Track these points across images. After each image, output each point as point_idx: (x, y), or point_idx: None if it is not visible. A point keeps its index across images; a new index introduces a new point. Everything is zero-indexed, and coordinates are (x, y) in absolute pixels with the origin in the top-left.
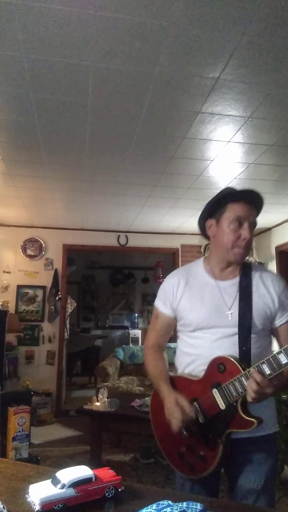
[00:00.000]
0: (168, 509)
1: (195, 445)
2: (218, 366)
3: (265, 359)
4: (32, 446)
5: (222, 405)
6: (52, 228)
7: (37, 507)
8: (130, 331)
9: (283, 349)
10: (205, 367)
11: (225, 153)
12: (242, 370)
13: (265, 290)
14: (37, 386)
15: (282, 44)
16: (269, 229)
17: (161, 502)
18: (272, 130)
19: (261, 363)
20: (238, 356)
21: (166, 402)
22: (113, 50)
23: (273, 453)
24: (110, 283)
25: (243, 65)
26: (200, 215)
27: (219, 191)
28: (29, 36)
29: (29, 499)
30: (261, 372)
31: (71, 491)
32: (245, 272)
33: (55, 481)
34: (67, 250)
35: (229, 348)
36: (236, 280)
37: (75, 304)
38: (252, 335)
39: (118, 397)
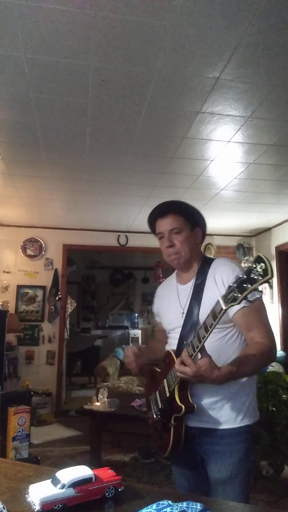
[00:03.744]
0: (168, 509)
1: (159, 427)
2: (165, 359)
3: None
4: (32, 446)
5: (167, 391)
6: (52, 228)
7: (37, 507)
8: (130, 331)
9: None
10: None
11: (225, 153)
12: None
13: (214, 284)
14: (37, 386)
15: (282, 44)
16: (269, 229)
17: (161, 502)
18: (272, 130)
19: (190, 342)
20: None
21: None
22: (113, 50)
23: (239, 446)
24: (110, 283)
25: (243, 65)
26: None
27: (219, 190)
28: (29, 36)
29: (29, 499)
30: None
31: (71, 491)
32: (202, 270)
33: (55, 481)
34: (67, 250)
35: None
36: (192, 282)
37: (75, 304)
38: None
39: (118, 397)
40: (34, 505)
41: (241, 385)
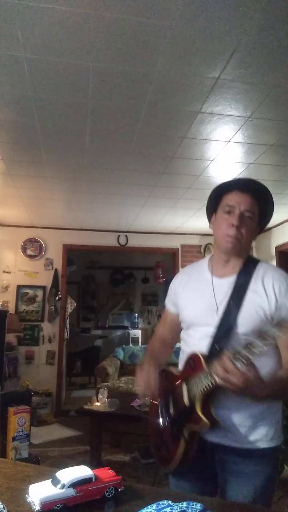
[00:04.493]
0: (168, 509)
1: (166, 437)
2: (189, 362)
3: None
4: (32, 446)
5: (186, 399)
6: (52, 228)
7: (37, 507)
8: (130, 331)
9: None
10: None
11: (225, 153)
12: (206, 368)
13: (262, 289)
14: (37, 386)
15: (282, 44)
16: (269, 229)
17: (161, 502)
18: (272, 130)
19: (238, 351)
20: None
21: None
22: (113, 50)
23: (267, 467)
24: (110, 283)
25: (243, 65)
26: (206, 212)
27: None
28: (29, 36)
29: (29, 499)
30: (233, 358)
31: (71, 491)
32: (247, 268)
33: (55, 481)
34: (67, 250)
35: (207, 346)
36: (233, 277)
37: (75, 304)
38: (236, 336)
39: (118, 397)
40: (34, 505)
41: (275, 402)
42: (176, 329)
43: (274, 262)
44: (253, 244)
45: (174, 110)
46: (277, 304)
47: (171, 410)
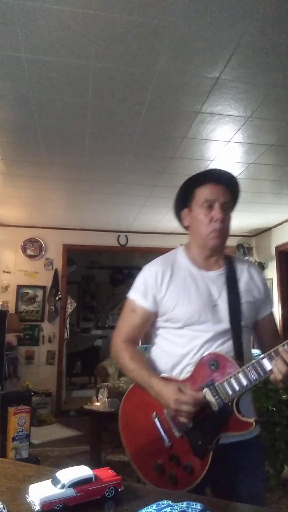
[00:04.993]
0: (168, 509)
1: (180, 455)
2: (210, 364)
3: (286, 342)
4: (32, 446)
5: (215, 405)
6: (52, 228)
7: (37, 507)
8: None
9: None
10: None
11: (225, 153)
12: (239, 366)
13: (250, 280)
14: (37, 386)
15: (282, 44)
16: (269, 229)
17: (161, 502)
18: (272, 130)
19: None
20: (232, 353)
21: (165, 394)
22: (113, 50)
23: (262, 452)
24: (110, 283)
25: (243, 65)
26: (174, 207)
27: None
28: (29, 36)
29: (29, 499)
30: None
31: (71, 491)
32: (229, 262)
33: (55, 481)
34: (67, 250)
35: (222, 344)
36: (222, 270)
37: (75, 304)
38: (243, 329)
39: (118, 397)
40: (34, 505)
41: None
42: (146, 327)
43: (274, 262)
44: (253, 244)
45: (174, 110)
46: (264, 294)
47: (187, 423)
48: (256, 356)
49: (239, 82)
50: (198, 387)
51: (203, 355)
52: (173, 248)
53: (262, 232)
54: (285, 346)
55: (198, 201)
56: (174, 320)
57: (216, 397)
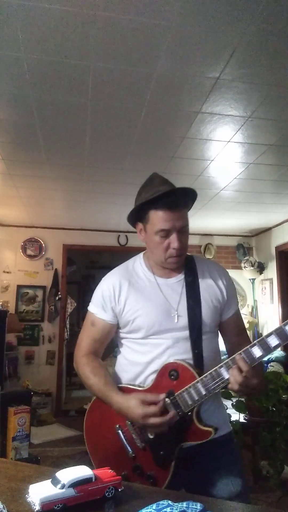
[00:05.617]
0: (168, 509)
1: (143, 465)
2: (170, 373)
3: (243, 350)
4: (32, 446)
5: (176, 416)
6: (52, 228)
7: (37, 507)
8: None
9: (258, 341)
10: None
11: (225, 153)
12: (197, 376)
13: (212, 282)
14: (37, 386)
15: (282, 44)
16: (269, 229)
17: (161, 502)
18: (272, 130)
19: (250, 348)
20: (191, 361)
21: (128, 410)
22: (113, 50)
23: (237, 453)
24: None
25: (243, 65)
26: (128, 217)
27: (219, 190)
28: (29, 36)
29: (29, 499)
30: (249, 358)
31: (71, 491)
32: (189, 265)
33: (55, 481)
34: (67, 250)
35: (183, 354)
36: (181, 276)
37: (75, 304)
38: (203, 336)
39: None
40: (34, 505)
41: None
42: (108, 340)
43: (274, 262)
44: (253, 244)
45: (174, 110)
46: (227, 295)
47: (148, 434)
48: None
49: (239, 82)
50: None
51: (164, 364)
52: None
53: (262, 232)
54: (242, 355)
55: (152, 226)
56: (135, 331)
57: (176, 407)
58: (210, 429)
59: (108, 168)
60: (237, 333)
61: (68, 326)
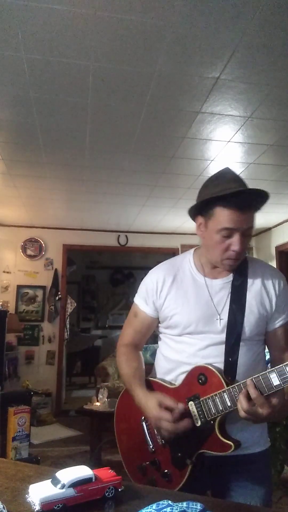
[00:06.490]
0: (168, 509)
1: (161, 462)
2: (199, 377)
3: (261, 374)
4: (32, 446)
5: (197, 421)
6: (52, 228)
7: (37, 507)
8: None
9: (276, 369)
10: None
11: (225, 153)
12: (225, 385)
13: (262, 289)
14: (37, 386)
15: (282, 44)
16: (269, 229)
17: (161, 502)
18: (272, 130)
19: (262, 375)
20: (223, 368)
21: (146, 408)
22: (113, 50)
23: (267, 471)
24: (110, 283)
25: (243, 65)
26: (190, 209)
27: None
28: (29, 36)
29: (29, 499)
30: (259, 387)
31: (71, 491)
32: (240, 267)
33: (55, 481)
34: (67, 250)
35: (216, 357)
36: (229, 278)
37: (75, 304)
38: (242, 343)
39: (118, 397)
40: (34, 505)
41: None
42: (149, 332)
43: (274, 262)
44: (253, 244)
45: (174, 110)
46: (276, 304)
47: (165, 434)
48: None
49: (239, 82)
50: (184, 398)
51: (195, 365)
52: (173, 248)
53: (262, 232)
54: (254, 380)
55: (216, 223)
56: (172, 327)
57: (200, 412)
58: (230, 443)
59: (108, 168)
60: (281, 348)
61: (68, 326)
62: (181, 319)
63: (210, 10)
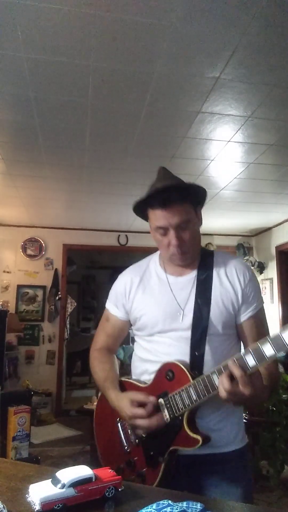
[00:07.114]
0: (168, 508)
1: (136, 462)
2: (167, 373)
3: (235, 356)
4: (32, 446)
5: (166, 417)
6: (52, 228)
7: (37, 507)
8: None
9: (251, 349)
10: None
11: (225, 153)
12: (191, 379)
13: (227, 282)
14: (37, 386)
15: (282, 44)
16: (269, 229)
17: (161, 502)
18: (272, 130)
19: (244, 355)
20: (189, 362)
21: (120, 409)
22: (113, 50)
23: (245, 470)
24: (110, 283)
25: (243, 65)
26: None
27: (219, 190)
28: (29, 36)
29: (29, 499)
30: (242, 366)
31: (71, 491)
32: (205, 262)
33: (55, 481)
34: (67, 250)
35: (183, 353)
36: (193, 274)
37: (75, 304)
38: (209, 337)
39: None
40: (34, 505)
41: None
42: (122, 336)
43: (274, 262)
44: (253, 244)
45: (174, 110)
46: (243, 296)
47: (140, 432)
48: None
49: (239, 82)
50: (155, 396)
51: (162, 363)
52: None
53: (262, 232)
54: (236, 361)
55: (151, 224)
56: (142, 328)
57: (169, 408)
58: (198, 437)
59: (108, 168)
60: (253, 341)
61: (68, 326)
62: (148, 319)
63: (210, 10)
